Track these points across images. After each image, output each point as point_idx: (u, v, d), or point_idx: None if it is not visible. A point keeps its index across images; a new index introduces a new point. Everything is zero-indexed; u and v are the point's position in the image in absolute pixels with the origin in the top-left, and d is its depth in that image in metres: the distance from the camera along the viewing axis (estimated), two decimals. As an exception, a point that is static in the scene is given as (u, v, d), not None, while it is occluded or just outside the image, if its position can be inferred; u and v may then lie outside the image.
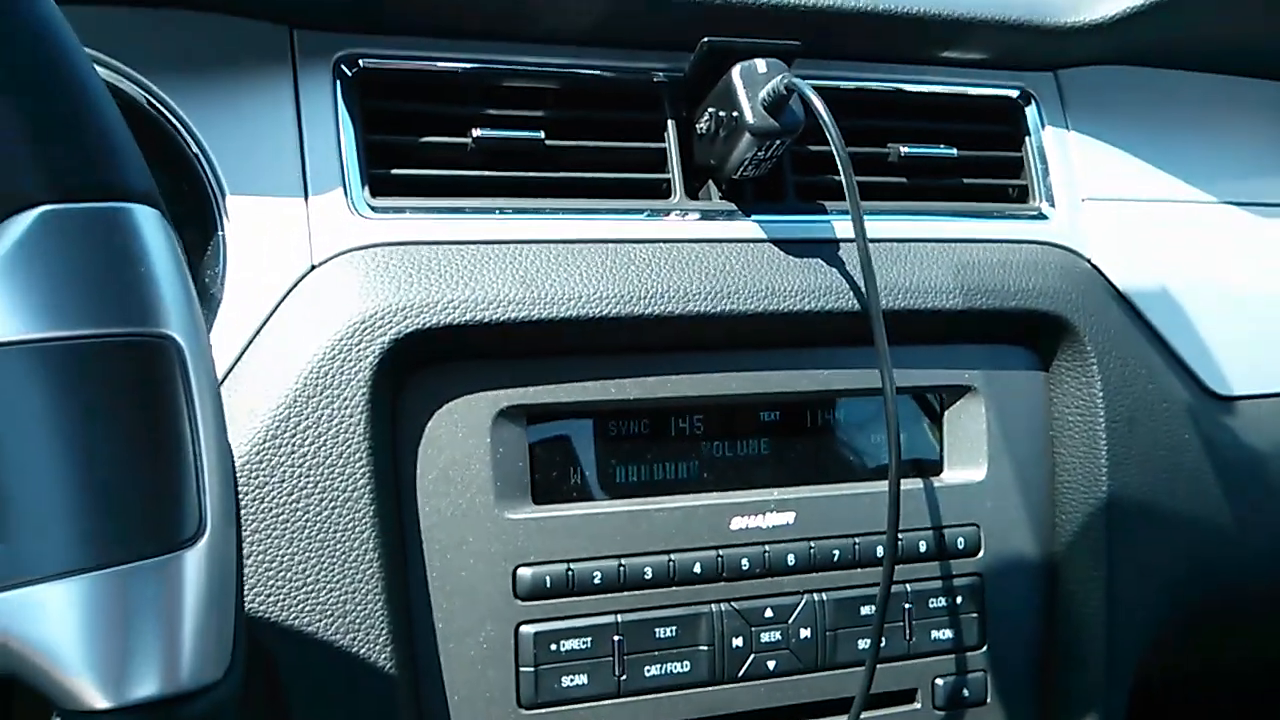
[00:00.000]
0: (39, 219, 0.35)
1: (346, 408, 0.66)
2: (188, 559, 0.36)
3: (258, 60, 0.72)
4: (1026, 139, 0.92)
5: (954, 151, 0.88)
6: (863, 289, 0.77)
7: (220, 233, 0.70)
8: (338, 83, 0.74)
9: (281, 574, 0.66)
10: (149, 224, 0.37)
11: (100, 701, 0.35)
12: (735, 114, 0.75)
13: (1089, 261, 0.90)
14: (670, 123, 0.81)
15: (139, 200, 0.37)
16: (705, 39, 0.76)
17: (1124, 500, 0.85)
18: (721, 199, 0.81)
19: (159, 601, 0.36)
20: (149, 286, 0.36)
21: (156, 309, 0.36)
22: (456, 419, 0.71)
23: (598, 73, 0.80)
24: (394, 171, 0.74)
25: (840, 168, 0.72)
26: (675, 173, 0.80)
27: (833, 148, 0.72)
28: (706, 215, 0.80)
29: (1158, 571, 0.89)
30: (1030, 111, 0.92)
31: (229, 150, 0.70)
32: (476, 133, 0.75)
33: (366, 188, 0.72)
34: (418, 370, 0.71)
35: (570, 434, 0.76)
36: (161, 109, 0.70)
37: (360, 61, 0.75)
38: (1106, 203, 0.92)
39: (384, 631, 0.67)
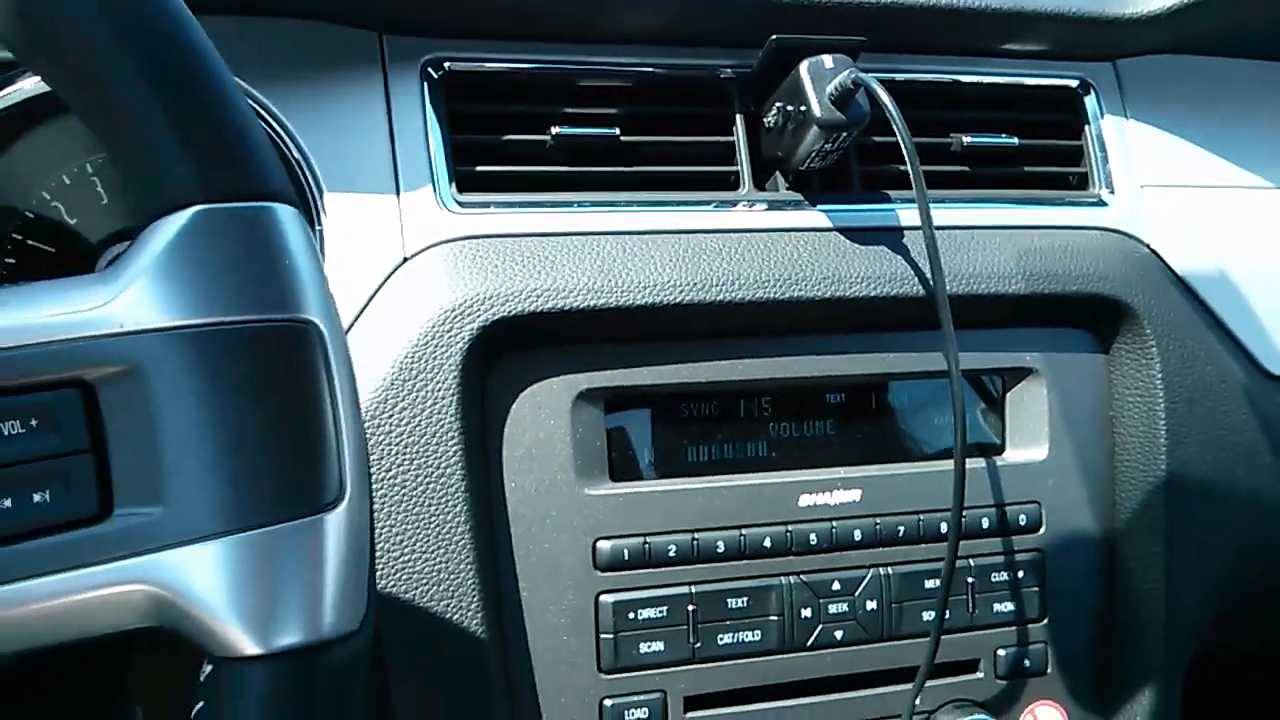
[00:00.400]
0: (194, 217, 0.40)
1: (440, 390, 0.71)
2: (329, 521, 0.41)
3: (350, 65, 0.77)
4: (1086, 128, 0.94)
5: (1015, 141, 0.90)
6: (928, 275, 0.80)
7: (319, 228, 0.74)
8: (425, 85, 0.78)
9: (380, 546, 0.71)
10: (289, 221, 0.41)
11: (251, 648, 0.40)
12: (803, 108, 0.78)
13: (1148, 246, 0.92)
14: (739, 117, 0.84)
15: (279, 199, 0.42)
16: (774, 36, 0.79)
17: (1183, 479, 0.88)
18: (788, 190, 0.84)
19: (304, 559, 0.40)
20: (292, 277, 0.41)
21: (299, 297, 0.41)
22: (539, 401, 0.76)
23: (669, 70, 0.84)
24: (478, 168, 0.78)
25: (907, 158, 0.75)
26: (744, 165, 0.83)
27: (899, 139, 0.75)
28: (774, 206, 0.83)
29: (1216, 550, 0.91)
30: (1089, 101, 0.94)
31: (325, 150, 0.75)
32: (555, 130, 0.79)
33: (453, 184, 0.77)
34: (503, 355, 0.75)
35: (645, 415, 0.80)
36: (261, 112, 0.75)
37: (446, 64, 0.79)
38: (1165, 189, 0.94)
39: (475, 600, 0.71)
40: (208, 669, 0.41)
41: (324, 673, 0.41)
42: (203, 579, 0.39)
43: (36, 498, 0.39)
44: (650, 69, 0.83)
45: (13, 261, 0.84)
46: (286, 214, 0.41)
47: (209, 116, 0.41)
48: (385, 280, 0.74)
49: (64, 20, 0.40)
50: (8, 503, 0.39)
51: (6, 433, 0.39)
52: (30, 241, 0.83)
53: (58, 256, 0.83)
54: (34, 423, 0.39)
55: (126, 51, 0.40)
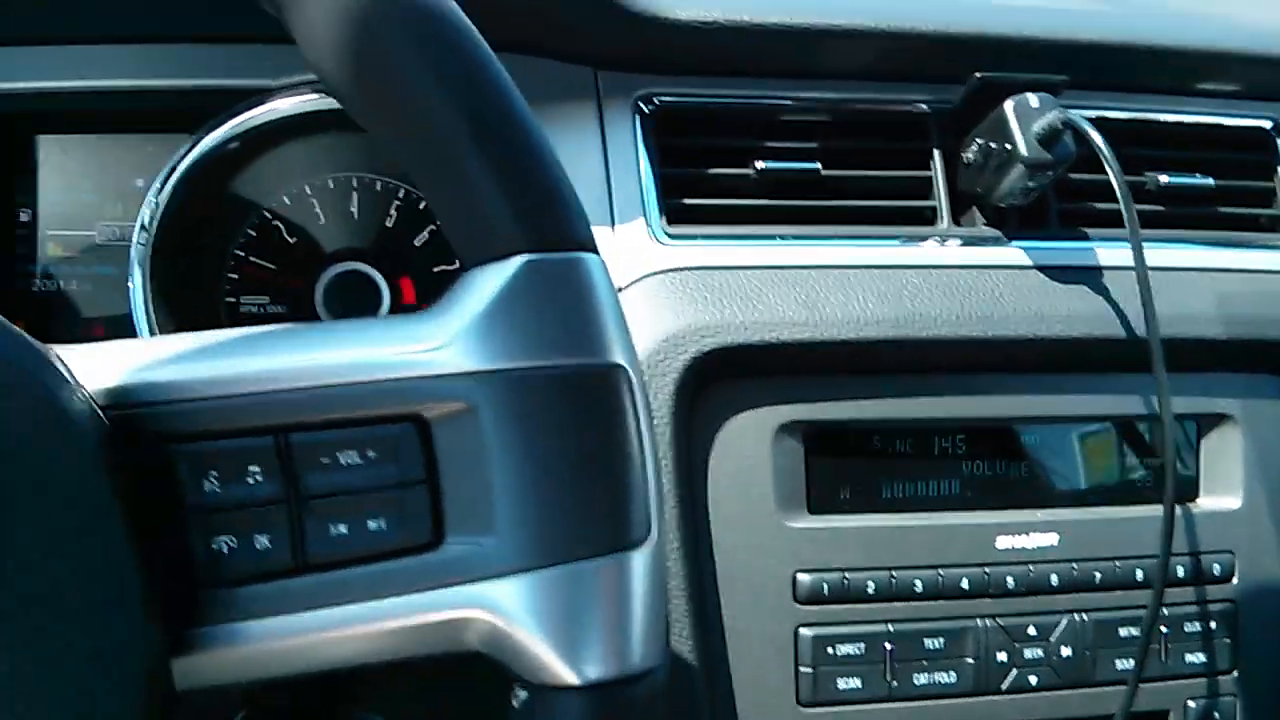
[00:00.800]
0: (521, 267, 0.42)
1: (656, 419, 0.72)
2: (637, 558, 0.42)
3: (567, 99, 0.79)
4: (1279, 169, 0.93)
5: (1211, 181, 0.89)
6: (1130, 316, 0.80)
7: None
8: (637, 118, 0.80)
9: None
10: (600, 270, 0.43)
11: (570, 678, 0.41)
12: (1008, 146, 0.78)
13: (1347, 292, 0.89)
14: (936, 152, 0.84)
15: (590, 249, 0.43)
16: (978, 74, 0.80)
17: (1387, 533, 0.85)
18: (986, 225, 0.84)
19: (616, 594, 0.41)
20: (605, 324, 0.42)
21: (611, 343, 0.42)
22: (742, 432, 0.76)
23: (868, 105, 0.85)
24: (685, 201, 0.80)
25: (1120, 199, 0.75)
26: (942, 200, 0.83)
27: (1113, 180, 0.75)
28: (972, 241, 0.83)
29: None
30: (1282, 142, 0.93)
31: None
32: (760, 165, 0.80)
33: (664, 216, 0.78)
34: (708, 385, 0.76)
35: (843, 449, 0.80)
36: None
37: (656, 99, 0.81)
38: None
39: (685, 622, 0.72)
40: (521, 696, 0.42)
41: (631, 706, 0.42)
42: (525, 609, 0.41)
43: (372, 525, 0.41)
44: (850, 103, 0.84)
45: (235, 277, 0.87)
46: (596, 263, 0.43)
47: (533, 170, 0.42)
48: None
49: (399, 81, 0.42)
50: (343, 528, 0.41)
51: (344, 462, 0.41)
52: (253, 258, 0.87)
53: (278, 274, 0.86)
54: (371, 454, 0.41)
55: (458, 109, 0.42)
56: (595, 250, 0.44)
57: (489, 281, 0.42)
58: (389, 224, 0.89)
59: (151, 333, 0.79)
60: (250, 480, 0.42)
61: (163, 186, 0.78)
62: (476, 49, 0.43)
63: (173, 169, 0.79)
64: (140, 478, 0.40)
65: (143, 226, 0.79)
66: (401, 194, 0.89)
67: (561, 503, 0.41)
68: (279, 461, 0.42)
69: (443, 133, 0.42)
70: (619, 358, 0.42)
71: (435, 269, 0.89)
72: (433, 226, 0.89)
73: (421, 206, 0.88)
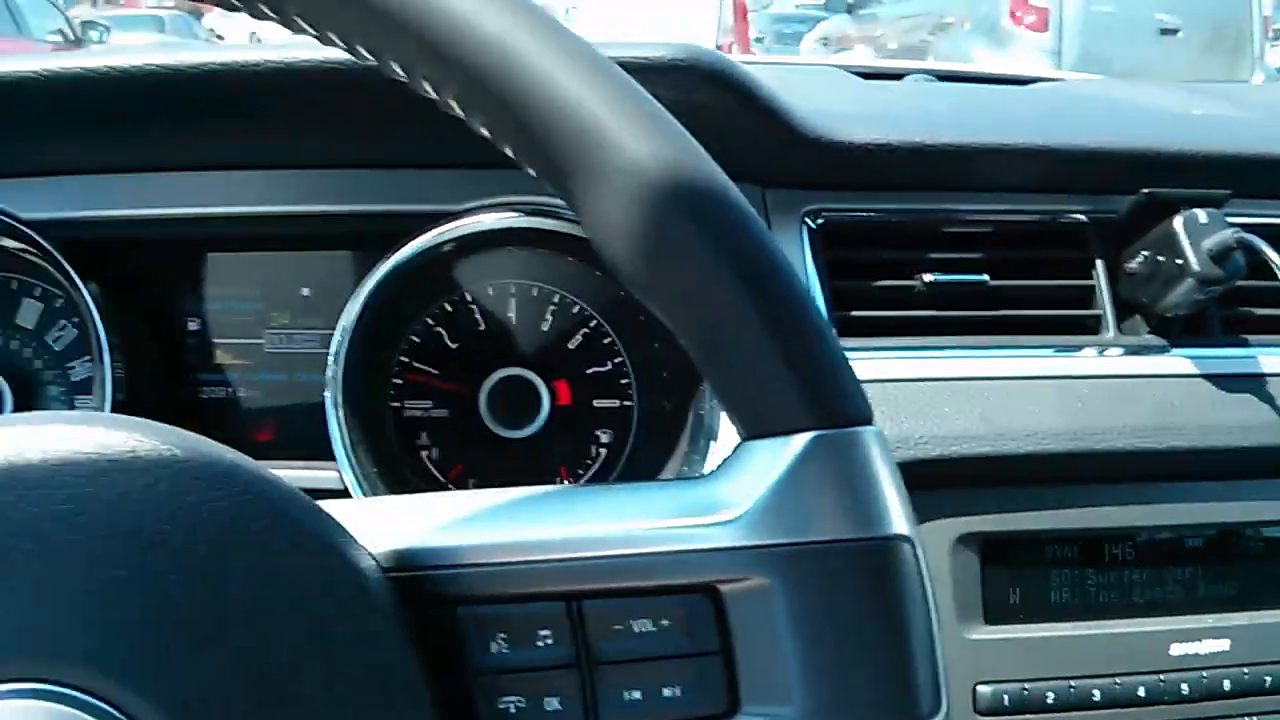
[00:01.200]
0: (810, 444, 0.43)
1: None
2: None
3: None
4: None
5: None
6: (1302, 426, 0.81)
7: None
8: (805, 233, 0.82)
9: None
10: (881, 443, 0.45)
11: None
12: (1179, 261, 0.80)
13: None
14: (1099, 261, 0.86)
15: (870, 422, 0.45)
16: (1145, 189, 0.81)
17: None
18: (1150, 334, 0.85)
19: None
20: (891, 497, 0.44)
21: (898, 515, 0.44)
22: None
23: (1032, 216, 0.86)
24: (855, 314, 0.82)
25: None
26: (1106, 309, 0.85)
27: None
28: (1138, 350, 0.84)
29: None
30: None
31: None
32: (927, 277, 0.82)
33: (834, 329, 0.80)
34: (887, 498, 0.78)
35: (1017, 559, 0.81)
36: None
37: (822, 214, 0.83)
38: None
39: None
40: None
41: None
42: None
43: (667, 692, 0.43)
44: (1013, 215, 0.86)
45: (399, 382, 0.91)
46: (878, 436, 0.45)
47: (817, 348, 0.44)
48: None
49: (687, 261, 0.44)
50: (637, 694, 0.43)
51: (637, 630, 0.43)
52: (416, 364, 0.90)
53: (440, 378, 0.90)
54: (665, 623, 0.43)
55: (744, 290, 0.44)
56: (873, 421, 0.45)
57: (776, 456, 0.44)
58: (544, 329, 0.92)
59: (344, 441, 0.82)
60: (540, 644, 0.44)
61: (361, 297, 0.82)
62: (760, 231, 0.45)
63: (371, 281, 0.82)
64: (424, 638, 0.43)
65: (343, 334, 0.82)
66: (556, 299, 0.92)
67: (858, 675, 0.42)
68: (571, 627, 0.44)
69: (729, 311, 0.44)
70: (905, 529, 0.44)
71: (588, 371, 0.92)
72: (586, 330, 0.92)
73: (575, 310, 0.92)
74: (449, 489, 0.91)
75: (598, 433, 0.92)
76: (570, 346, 0.92)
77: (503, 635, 0.44)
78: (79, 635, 0.39)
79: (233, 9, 0.44)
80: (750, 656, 0.43)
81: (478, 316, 0.91)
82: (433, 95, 0.43)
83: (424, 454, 0.91)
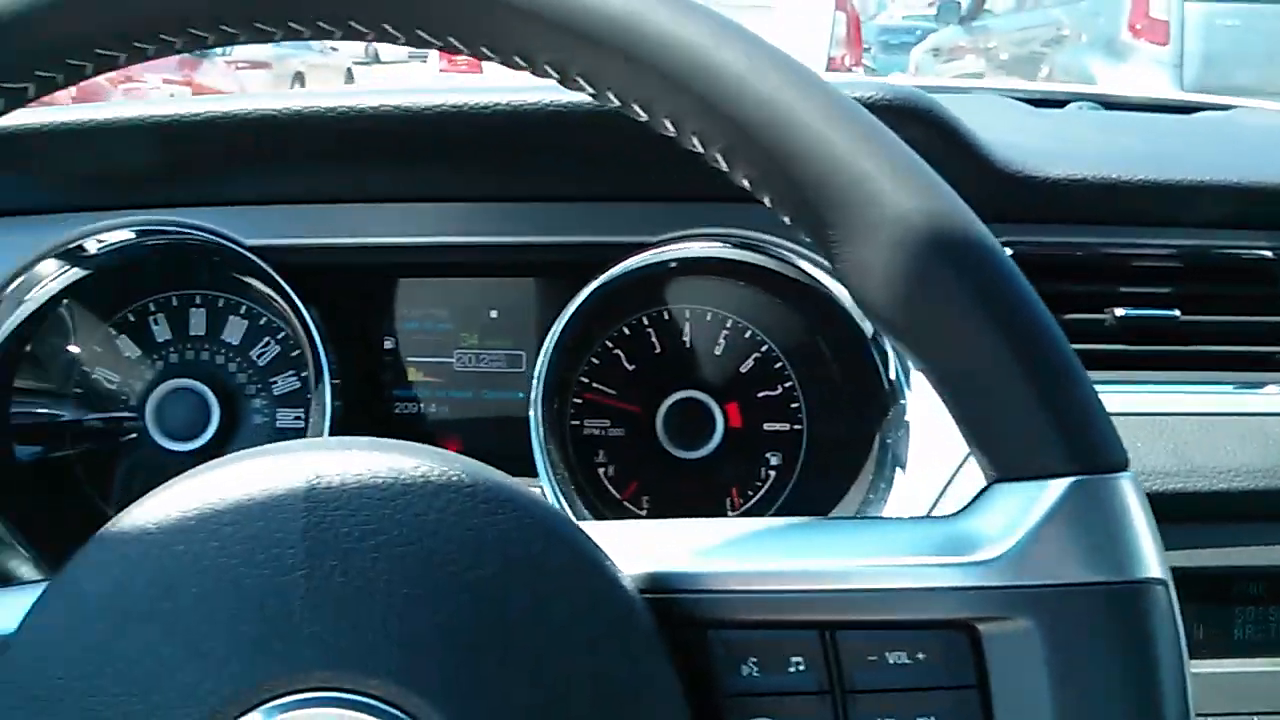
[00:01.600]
0: (1070, 488, 0.44)
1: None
2: None
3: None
4: None
5: None
6: None
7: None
8: (993, 266, 0.83)
9: None
10: (1136, 488, 0.45)
11: None
12: (1372, 297, 0.79)
13: None
14: (1289, 298, 0.85)
15: (1126, 468, 0.46)
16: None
17: None
18: (1341, 373, 0.84)
19: None
20: (1147, 541, 0.45)
21: (1154, 559, 0.45)
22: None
23: (1219, 251, 0.86)
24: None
25: None
26: (1297, 347, 0.84)
27: None
28: (1330, 390, 0.83)
29: None
30: None
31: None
32: (1119, 312, 0.82)
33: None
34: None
35: (1203, 595, 0.80)
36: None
37: (1011, 247, 0.83)
38: None
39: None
40: None
41: None
42: None
43: None
44: (1201, 250, 0.85)
45: (579, 401, 0.94)
46: (1133, 481, 0.45)
47: (1076, 395, 0.45)
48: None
49: (947, 308, 0.45)
50: None
51: (892, 661, 0.45)
52: (595, 384, 0.93)
53: (618, 398, 0.93)
54: (920, 656, 0.44)
55: (1005, 336, 0.45)
56: (1129, 467, 0.46)
57: (1034, 500, 0.45)
58: (717, 352, 0.94)
59: (546, 459, 0.85)
60: (792, 670, 0.46)
61: (564, 319, 0.85)
62: (1018, 277, 0.46)
63: (574, 304, 0.85)
64: (677, 660, 0.44)
65: (544, 356, 0.85)
66: (729, 324, 0.94)
67: (1112, 713, 0.43)
68: (824, 655, 0.45)
69: (988, 354, 0.45)
70: (1161, 573, 0.45)
71: (759, 394, 0.94)
72: (757, 355, 0.94)
73: (747, 335, 0.93)
74: (624, 506, 0.93)
75: (768, 455, 0.94)
76: (742, 370, 0.94)
77: (754, 659, 0.46)
78: (381, 649, 0.42)
79: (517, 69, 0.46)
80: (1007, 693, 0.44)
81: (654, 340, 0.94)
82: (698, 149, 0.45)
83: (600, 471, 0.94)
